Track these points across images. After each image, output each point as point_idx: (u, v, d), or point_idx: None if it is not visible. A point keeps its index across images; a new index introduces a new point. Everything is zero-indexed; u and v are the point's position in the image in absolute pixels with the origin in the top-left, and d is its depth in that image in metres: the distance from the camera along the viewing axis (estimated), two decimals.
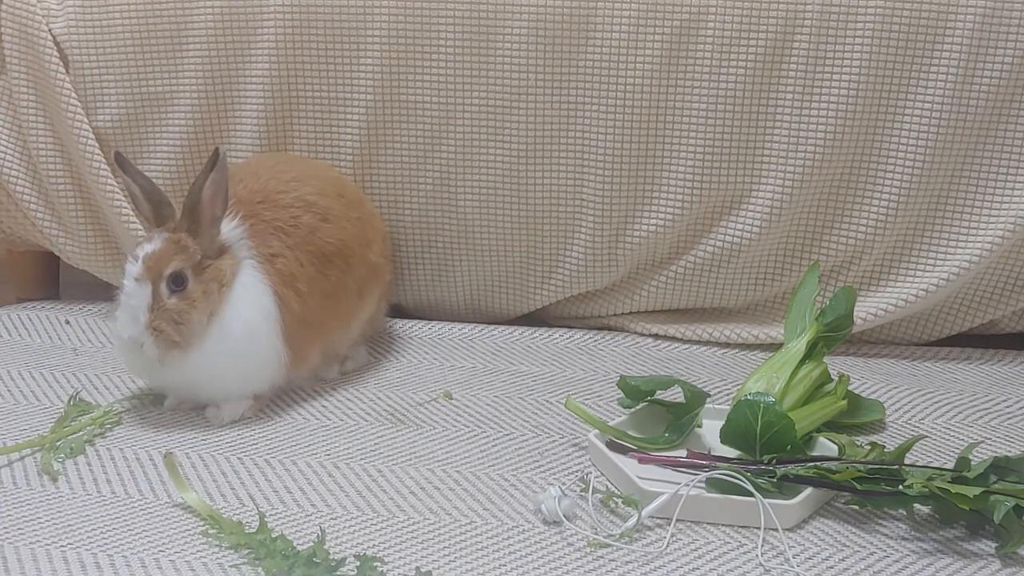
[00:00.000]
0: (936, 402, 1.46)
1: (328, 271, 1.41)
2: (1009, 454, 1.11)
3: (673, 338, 1.69)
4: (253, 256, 1.34)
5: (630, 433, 1.26)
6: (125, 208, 1.67)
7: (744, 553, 1.06)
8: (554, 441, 1.32)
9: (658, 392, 1.31)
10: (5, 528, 1.08)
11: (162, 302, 1.27)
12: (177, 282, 1.27)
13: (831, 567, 1.04)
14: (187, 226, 1.30)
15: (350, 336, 1.52)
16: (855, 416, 1.37)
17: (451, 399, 1.43)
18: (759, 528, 1.09)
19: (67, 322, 1.72)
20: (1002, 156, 1.57)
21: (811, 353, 1.34)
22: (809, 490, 1.12)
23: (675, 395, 1.32)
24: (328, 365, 1.50)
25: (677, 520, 1.10)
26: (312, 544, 1.02)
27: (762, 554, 1.06)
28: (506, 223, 1.68)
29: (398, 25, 1.62)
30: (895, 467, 1.13)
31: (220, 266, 1.30)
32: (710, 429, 1.29)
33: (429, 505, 1.15)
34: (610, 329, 1.74)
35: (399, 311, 1.79)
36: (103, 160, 1.67)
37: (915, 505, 1.11)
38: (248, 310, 1.32)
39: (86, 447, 1.27)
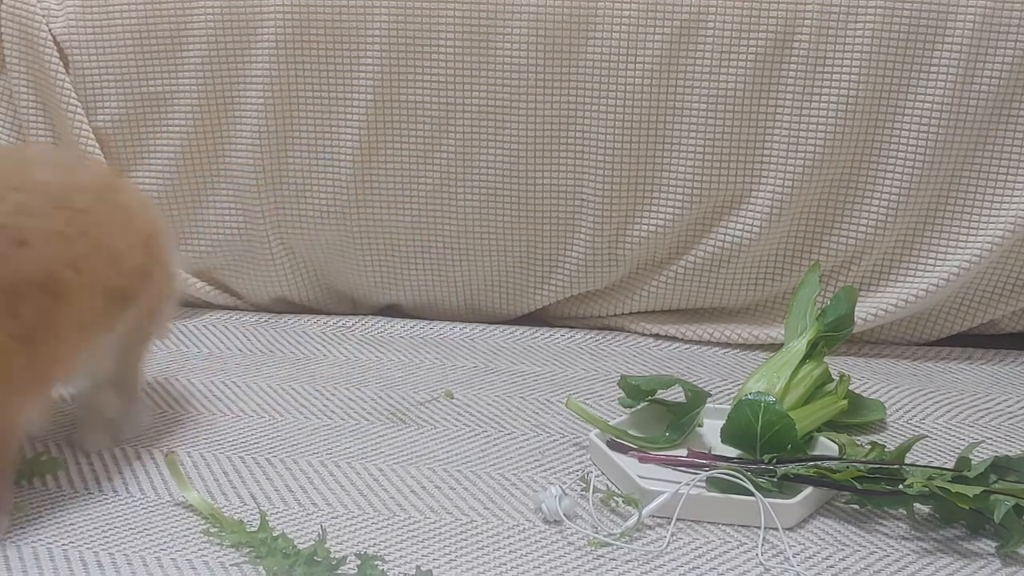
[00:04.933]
0: (937, 402, 1.46)
1: (20, 308, 1.06)
2: (1009, 454, 1.11)
3: (673, 338, 1.70)
4: None
5: (631, 432, 1.26)
6: None
7: (744, 552, 1.06)
8: (555, 440, 1.32)
9: (659, 392, 1.31)
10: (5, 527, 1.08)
11: None
12: None
13: (831, 566, 1.04)
14: None
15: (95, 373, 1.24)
16: (856, 416, 1.37)
17: (452, 398, 1.43)
18: (759, 527, 1.09)
19: None
20: (1002, 156, 1.57)
21: (812, 353, 1.34)
22: (809, 489, 1.12)
23: (676, 395, 1.32)
24: (94, 432, 1.27)
25: (677, 519, 1.10)
26: (313, 543, 1.02)
27: (762, 553, 1.06)
28: (506, 223, 1.68)
29: (398, 25, 1.62)
30: (895, 467, 1.13)
31: None
32: (711, 429, 1.29)
33: (430, 504, 1.15)
34: (610, 329, 1.74)
35: (399, 311, 1.79)
36: (103, 160, 1.67)
37: (915, 505, 1.11)
38: None
39: None
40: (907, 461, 1.16)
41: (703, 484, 1.14)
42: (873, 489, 1.11)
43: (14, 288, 1.06)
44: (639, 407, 1.32)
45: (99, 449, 1.26)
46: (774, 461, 1.16)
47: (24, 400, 1.09)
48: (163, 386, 1.45)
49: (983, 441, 1.32)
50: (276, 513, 1.12)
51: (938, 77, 1.55)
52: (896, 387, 1.50)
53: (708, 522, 1.11)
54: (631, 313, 1.74)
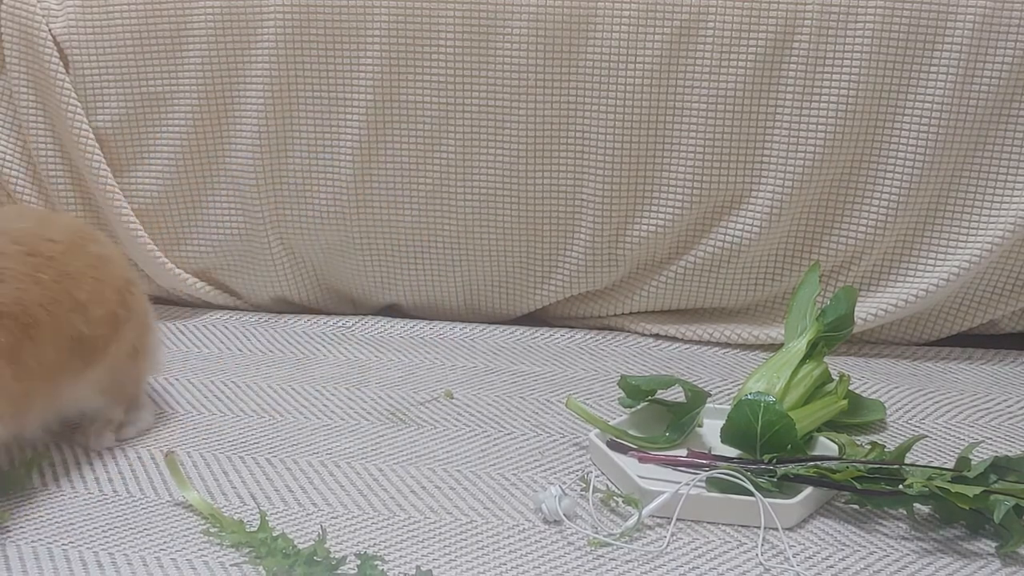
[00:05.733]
0: (937, 402, 1.46)
1: None
2: (1009, 454, 1.11)
3: (673, 338, 1.70)
4: None
5: (631, 432, 1.26)
6: (125, 209, 1.68)
7: (744, 552, 1.06)
8: (555, 440, 1.32)
9: (659, 392, 1.31)
10: (6, 526, 1.08)
11: None
12: None
13: (831, 566, 1.04)
14: None
15: (86, 399, 1.25)
16: (856, 416, 1.37)
17: (452, 398, 1.43)
18: (759, 527, 1.09)
19: None
20: (1002, 156, 1.57)
21: (812, 353, 1.34)
22: (809, 489, 1.12)
23: (676, 395, 1.32)
24: (99, 433, 1.27)
25: (677, 519, 1.11)
26: (313, 543, 1.02)
27: (762, 553, 1.06)
28: (506, 223, 1.68)
29: (398, 25, 1.62)
30: (895, 467, 1.13)
31: None
32: (711, 429, 1.29)
33: (430, 504, 1.15)
34: (610, 329, 1.74)
35: (399, 311, 1.79)
36: (103, 160, 1.68)
37: (915, 505, 1.11)
38: None
39: None
40: (907, 461, 1.16)
41: (703, 484, 1.14)
42: (873, 489, 1.11)
43: None
44: (639, 407, 1.32)
45: (102, 449, 1.26)
46: (774, 461, 1.16)
47: (22, 408, 1.11)
48: (163, 386, 1.45)
49: (983, 441, 1.32)
50: (276, 513, 1.12)
51: (938, 77, 1.55)
52: (896, 387, 1.50)
53: (708, 522, 1.11)
54: (631, 313, 1.74)
